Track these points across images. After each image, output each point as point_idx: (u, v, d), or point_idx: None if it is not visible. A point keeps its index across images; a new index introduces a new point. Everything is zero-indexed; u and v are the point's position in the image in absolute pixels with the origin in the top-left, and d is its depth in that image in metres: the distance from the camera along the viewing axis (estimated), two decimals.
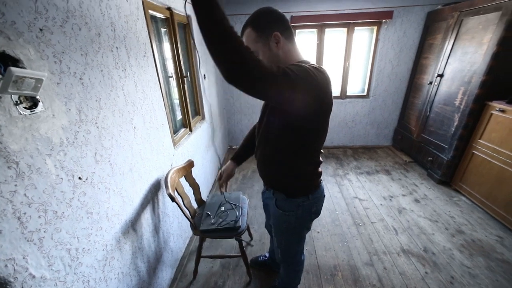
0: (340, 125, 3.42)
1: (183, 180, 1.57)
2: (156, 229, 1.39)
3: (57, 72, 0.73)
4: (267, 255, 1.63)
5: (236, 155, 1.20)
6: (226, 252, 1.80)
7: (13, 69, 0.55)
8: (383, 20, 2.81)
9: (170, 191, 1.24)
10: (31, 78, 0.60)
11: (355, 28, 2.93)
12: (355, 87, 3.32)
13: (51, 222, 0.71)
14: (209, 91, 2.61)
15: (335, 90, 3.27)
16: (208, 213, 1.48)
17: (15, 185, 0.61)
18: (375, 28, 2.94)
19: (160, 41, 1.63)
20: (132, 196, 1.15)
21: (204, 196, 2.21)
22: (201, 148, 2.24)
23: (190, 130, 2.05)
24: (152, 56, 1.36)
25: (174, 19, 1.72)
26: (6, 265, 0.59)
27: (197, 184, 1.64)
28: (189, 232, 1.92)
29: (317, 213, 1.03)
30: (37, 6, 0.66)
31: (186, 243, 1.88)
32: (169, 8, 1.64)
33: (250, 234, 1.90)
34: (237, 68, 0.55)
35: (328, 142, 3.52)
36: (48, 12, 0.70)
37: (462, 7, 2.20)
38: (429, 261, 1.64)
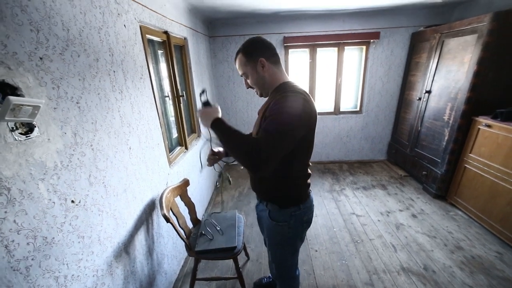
0: (335, 140, 3.47)
1: (178, 200, 1.55)
2: (150, 251, 1.35)
3: (54, 97, 0.75)
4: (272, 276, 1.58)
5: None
6: (222, 273, 1.73)
7: (11, 98, 0.57)
8: (371, 40, 2.96)
9: (165, 211, 1.22)
10: (29, 105, 0.61)
11: (345, 47, 3.07)
12: (348, 103, 3.41)
13: (40, 248, 0.69)
14: None
15: (329, 107, 3.36)
16: (203, 233, 1.45)
17: (5, 212, 0.60)
18: (364, 47, 3.09)
19: (156, 63, 1.69)
20: (126, 218, 1.13)
21: (200, 215, 2.17)
22: (197, 166, 2.24)
23: (186, 148, 2.06)
24: (149, 78, 1.40)
25: (171, 42, 1.79)
26: None
27: (193, 203, 1.62)
28: (184, 253, 1.86)
29: (308, 223, 1.08)
30: (38, 37, 0.70)
31: (181, 264, 1.82)
32: (166, 32, 1.72)
33: (246, 254, 1.84)
34: (249, 167, 0.80)
35: (324, 157, 3.55)
36: (49, 42, 0.73)
37: (442, 29, 2.35)
38: (430, 280, 1.60)
